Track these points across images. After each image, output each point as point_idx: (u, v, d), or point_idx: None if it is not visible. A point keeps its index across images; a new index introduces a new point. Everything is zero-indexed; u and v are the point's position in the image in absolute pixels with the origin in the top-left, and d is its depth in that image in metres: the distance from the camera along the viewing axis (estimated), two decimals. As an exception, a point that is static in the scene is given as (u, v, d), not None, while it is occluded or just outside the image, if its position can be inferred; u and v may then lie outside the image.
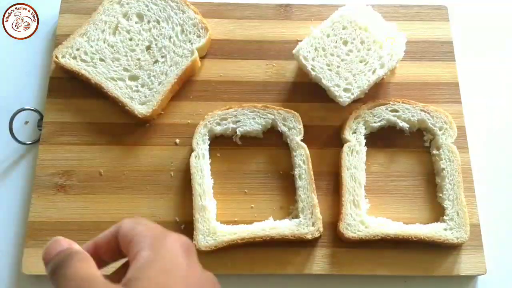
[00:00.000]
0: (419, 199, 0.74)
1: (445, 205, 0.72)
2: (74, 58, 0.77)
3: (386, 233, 0.69)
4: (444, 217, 0.71)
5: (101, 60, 0.77)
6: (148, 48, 0.78)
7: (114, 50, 0.78)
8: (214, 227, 0.69)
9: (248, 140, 0.76)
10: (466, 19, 0.89)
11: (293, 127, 0.75)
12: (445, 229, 0.70)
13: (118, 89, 0.75)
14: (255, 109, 0.76)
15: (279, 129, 0.75)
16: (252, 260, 0.70)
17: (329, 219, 0.72)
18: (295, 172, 0.72)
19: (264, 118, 0.76)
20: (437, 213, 0.73)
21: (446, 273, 0.70)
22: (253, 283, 0.71)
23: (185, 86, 0.80)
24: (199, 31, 0.79)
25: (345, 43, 0.77)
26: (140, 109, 0.74)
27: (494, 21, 0.91)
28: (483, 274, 0.71)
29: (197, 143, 0.74)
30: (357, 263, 0.70)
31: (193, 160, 0.72)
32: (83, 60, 0.77)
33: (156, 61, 0.77)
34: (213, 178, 0.73)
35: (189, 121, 0.77)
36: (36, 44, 0.85)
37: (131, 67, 0.77)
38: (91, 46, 0.78)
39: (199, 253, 0.67)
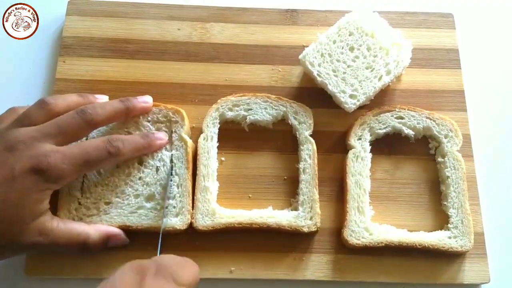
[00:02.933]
0: (423, 206, 0.74)
1: (449, 213, 0.71)
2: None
3: (390, 241, 0.69)
4: (449, 225, 0.71)
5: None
6: None
7: None
8: (214, 208, 0.70)
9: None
10: (472, 27, 0.89)
11: (303, 121, 0.75)
12: (449, 237, 0.70)
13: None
14: (268, 99, 0.77)
15: (289, 122, 0.76)
16: (255, 264, 0.70)
17: (333, 225, 0.72)
18: (300, 166, 0.73)
19: (276, 110, 0.76)
20: (441, 221, 0.73)
21: (450, 281, 0.70)
22: (255, 288, 0.71)
23: (191, 90, 0.80)
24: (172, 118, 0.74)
25: (352, 49, 0.77)
26: None
27: (500, 29, 0.91)
28: (487, 282, 0.71)
29: (207, 125, 0.74)
30: (361, 270, 0.70)
31: (201, 142, 0.73)
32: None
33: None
34: (217, 181, 0.73)
35: (194, 125, 0.77)
36: (38, 45, 0.85)
37: None
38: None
39: (208, 247, 0.69)
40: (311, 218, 0.69)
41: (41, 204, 0.61)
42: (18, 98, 0.80)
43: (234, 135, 0.77)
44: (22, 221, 0.60)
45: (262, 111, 0.76)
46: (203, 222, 0.69)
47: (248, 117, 0.76)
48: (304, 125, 0.75)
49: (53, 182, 0.61)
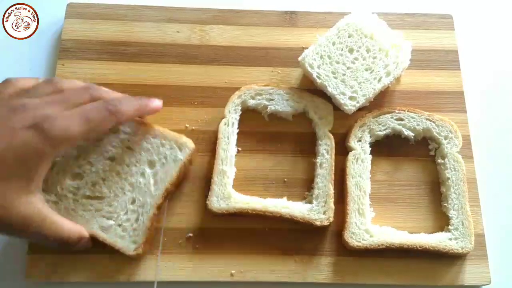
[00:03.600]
0: (423, 208, 0.74)
1: (450, 215, 0.71)
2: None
3: (391, 242, 0.69)
4: (449, 227, 0.71)
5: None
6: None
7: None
8: (229, 192, 0.70)
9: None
10: (471, 28, 0.89)
11: (323, 117, 0.76)
12: (450, 239, 0.70)
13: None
14: (290, 91, 0.77)
15: (309, 116, 0.76)
16: (255, 267, 0.70)
17: (334, 228, 0.72)
18: (317, 160, 0.73)
19: (297, 102, 0.76)
20: (442, 222, 0.73)
21: (450, 283, 0.70)
22: (256, 291, 0.70)
23: (190, 93, 0.80)
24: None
25: (351, 51, 0.77)
26: None
27: (499, 30, 0.91)
28: (488, 284, 0.70)
29: (229, 111, 0.75)
30: (362, 272, 0.70)
31: (222, 126, 0.74)
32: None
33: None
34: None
35: (193, 128, 0.77)
36: (38, 46, 0.85)
37: None
38: None
39: (209, 250, 0.69)
40: (324, 212, 0.70)
41: (36, 173, 0.58)
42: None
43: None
44: (15, 192, 0.57)
45: (283, 102, 0.77)
46: (217, 205, 0.69)
47: (269, 106, 0.77)
48: (324, 120, 0.75)
49: (53, 144, 0.58)
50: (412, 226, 0.72)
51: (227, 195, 0.70)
